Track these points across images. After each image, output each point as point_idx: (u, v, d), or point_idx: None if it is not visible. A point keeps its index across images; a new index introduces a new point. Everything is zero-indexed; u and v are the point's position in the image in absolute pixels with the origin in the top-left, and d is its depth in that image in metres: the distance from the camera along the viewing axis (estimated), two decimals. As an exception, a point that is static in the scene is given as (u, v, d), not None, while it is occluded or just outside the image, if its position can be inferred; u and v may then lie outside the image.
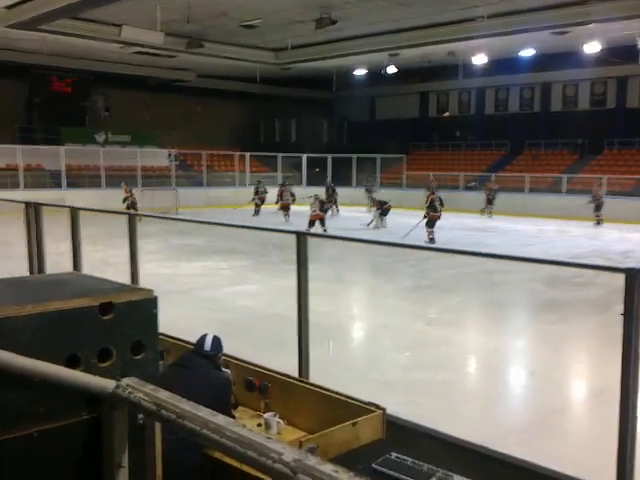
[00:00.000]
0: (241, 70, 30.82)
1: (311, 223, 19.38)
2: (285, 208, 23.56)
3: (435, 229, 17.86)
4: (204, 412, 1.48)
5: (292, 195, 24.01)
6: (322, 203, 20.63)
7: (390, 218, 22.24)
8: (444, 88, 36.00)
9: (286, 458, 1.24)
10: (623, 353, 2.78)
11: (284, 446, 1.29)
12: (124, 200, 21.51)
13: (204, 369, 3.58)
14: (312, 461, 1.21)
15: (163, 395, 1.60)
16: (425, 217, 18.08)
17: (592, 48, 24.29)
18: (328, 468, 1.19)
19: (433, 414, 4.89)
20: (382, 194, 30.92)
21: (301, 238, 3.94)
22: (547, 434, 5.36)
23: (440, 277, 12.21)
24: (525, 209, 26.06)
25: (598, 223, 23.38)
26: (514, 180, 29.01)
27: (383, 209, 21.82)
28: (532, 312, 10.47)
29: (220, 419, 1.44)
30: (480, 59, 26.78)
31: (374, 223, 21.35)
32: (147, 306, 2.33)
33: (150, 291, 2.37)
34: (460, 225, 22.35)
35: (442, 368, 6.93)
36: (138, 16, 21.38)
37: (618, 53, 25.94)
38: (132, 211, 15.81)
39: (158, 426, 1.90)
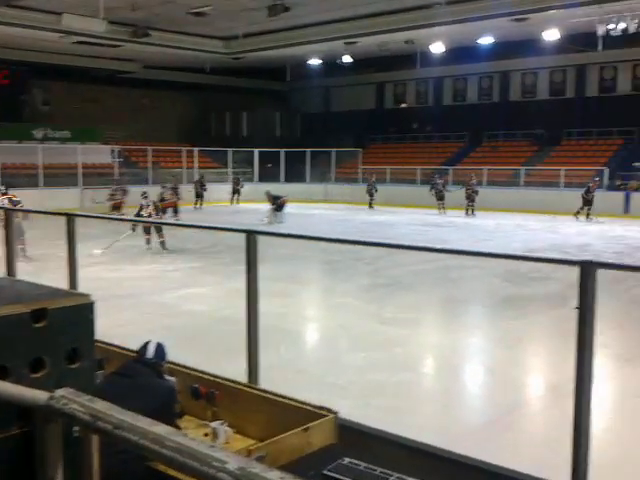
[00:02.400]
0: (190, 60, 29.94)
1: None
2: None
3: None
4: (143, 422, 1.46)
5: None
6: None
7: (340, 214, 21.47)
8: (401, 78, 35.35)
9: (230, 467, 1.22)
10: (577, 347, 2.78)
11: (228, 454, 1.27)
12: None
13: (146, 378, 3.45)
14: (257, 468, 1.20)
15: (99, 406, 1.57)
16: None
17: (551, 35, 24.05)
18: (274, 475, 1.18)
19: (389, 416, 4.98)
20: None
21: (251, 237, 3.81)
22: (505, 432, 5.33)
23: (397, 275, 12.01)
24: (483, 203, 25.08)
25: (587, 217, 22.71)
26: (473, 173, 28.35)
27: (277, 204, 21.27)
28: (490, 308, 10.29)
29: (160, 429, 1.41)
30: (438, 47, 26.21)
31: (267, 219, 20.78)
32: (83, 312, 2.28)
33: (87, 296, 2.31)
34: (416, 221, 22.50)
35: (399, 368, 6.79)
36: (79, 3, 20.54)
37: (577, 40, 25.62)
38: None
39: (96, 439, 1.82)
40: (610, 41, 22.50)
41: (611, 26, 20.82)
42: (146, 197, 16.32)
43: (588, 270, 2.74)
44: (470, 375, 7.23)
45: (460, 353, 7.78)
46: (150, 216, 16.27)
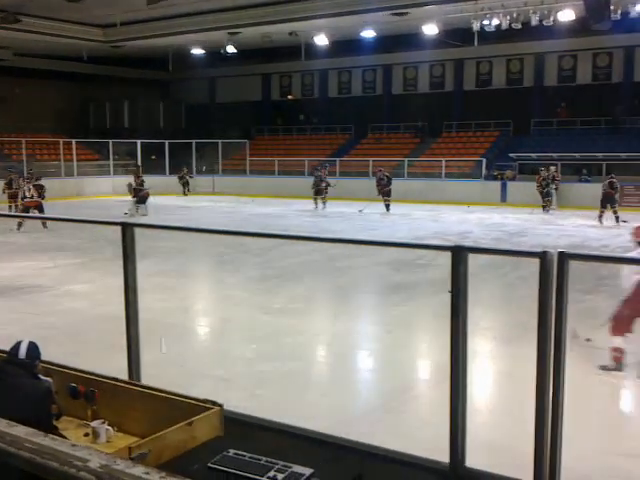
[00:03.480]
0: (67, 48, 28.56)
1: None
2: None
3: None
4: (0, 425, 1.41)
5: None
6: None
7: (228, 206, 21.46)
8: (287, 70, 35.26)
9: (92, 465, 1.19)
10: (451, 328, 2.87)
11: (91, 452, 1.24)
12: None
13: (19, 379, 3.37)
14: (120, 465, 1.18)
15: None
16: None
17: (430, 30, 24.54)
18: (138, 471, 1.16)
19: (277, 406, 5.02)
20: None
21: (127, 230, 3.71)
22: (390, 416, 5.43)
23: (285, 266, 12.08)
24: (369, 194, 25.42)
25: (545, 208, 22.41)
26: (359, 165, 28.80)
27: (139, 197, 21.25)
28: (376, 296, 10.56)
29: (18, 430, 1.37)
30: (322, 40, 26.34)
31: (129, 212, 20.38)
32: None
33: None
34: (305, 212, 22.57)
35: (288, 358, 6.85)
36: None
37: (455, 36, 26.44)
38: None
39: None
40: (485, 37, 23.43)
41: (485, 22, 21.67)
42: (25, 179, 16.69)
43: (459, 255, 2.83)
44: (358, 361, 7.36)
45: (349, 340, 7.89)
46: (33, 197, 16.77)
